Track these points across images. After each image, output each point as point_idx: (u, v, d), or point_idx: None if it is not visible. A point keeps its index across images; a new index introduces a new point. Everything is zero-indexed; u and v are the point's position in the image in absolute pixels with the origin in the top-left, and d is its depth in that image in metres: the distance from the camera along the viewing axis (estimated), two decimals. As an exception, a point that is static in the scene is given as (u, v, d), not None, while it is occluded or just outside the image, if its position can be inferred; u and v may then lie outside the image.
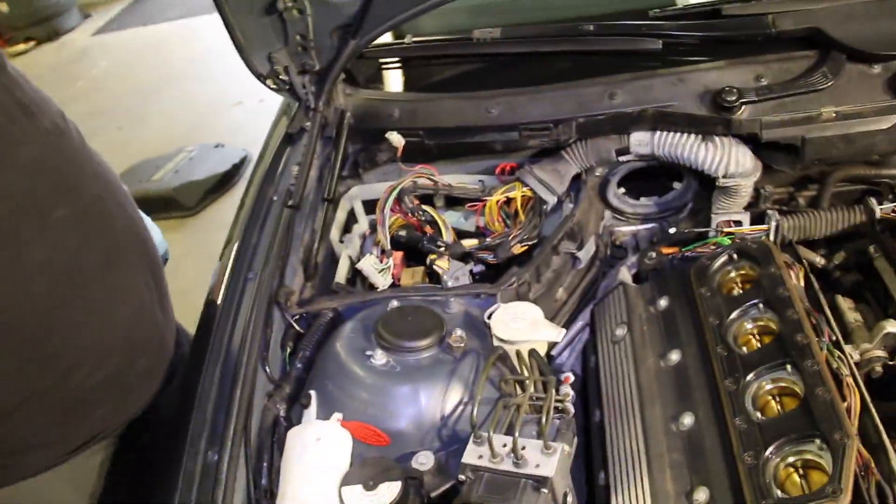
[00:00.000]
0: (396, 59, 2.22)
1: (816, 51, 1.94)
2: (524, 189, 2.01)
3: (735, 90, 1.83)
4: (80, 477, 1.80)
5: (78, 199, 1.59)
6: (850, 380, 1.49)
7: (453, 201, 2.17)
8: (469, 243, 1.99)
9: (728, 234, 1.93)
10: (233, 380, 1.59)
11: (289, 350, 1.72)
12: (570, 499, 1.45)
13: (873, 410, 1.48)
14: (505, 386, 1.57)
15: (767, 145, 1.88)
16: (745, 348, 1.60)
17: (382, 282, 1.89)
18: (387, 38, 2.24)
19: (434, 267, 1.91)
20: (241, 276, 1.81)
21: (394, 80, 2.33)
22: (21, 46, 9.92)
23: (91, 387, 1.65)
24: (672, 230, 1.95)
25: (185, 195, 5.74)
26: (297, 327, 1.77)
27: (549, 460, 1.39)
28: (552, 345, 1.79)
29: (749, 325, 1.65)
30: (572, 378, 1.71)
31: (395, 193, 1.99)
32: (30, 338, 1.53)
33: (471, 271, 1.93)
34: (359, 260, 1.97)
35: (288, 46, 1.93)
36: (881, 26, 1.91)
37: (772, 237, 1.90)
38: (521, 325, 1.64)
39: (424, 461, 1.42)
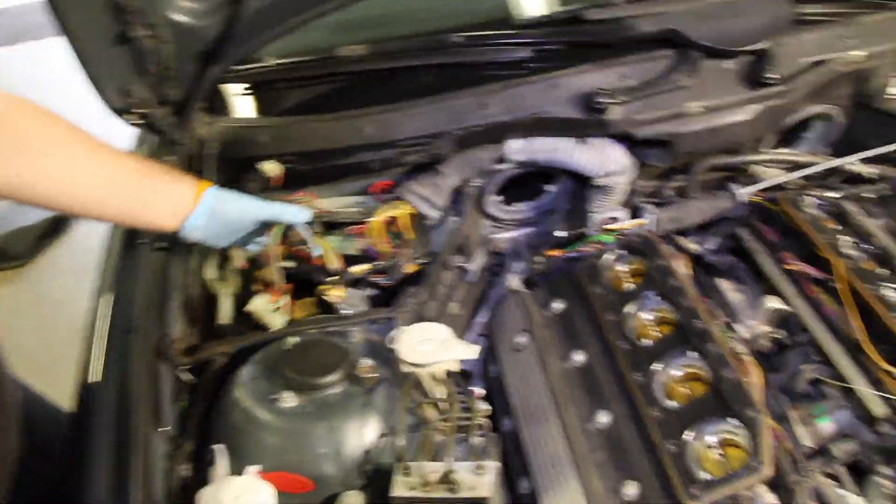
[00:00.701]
0: (259, 82, 2.13)
1: (675, 50, 2.03)
2: (405, 206, 1.98)
3: (606, 92, 1.88)
4: None
5: None
6: (747, 358, 1.57)
7: (330, 226, 2.11)
8: (358, 269, 1.93)
9: (609, 231, 1.98)
10: (126, 447, 1.44)
11: (183, 404, 1.60)
12: (504, 514, 1.44)
13: (772, 383, 1.56)
14: (421, 411, 1.54)
15: (640, 142, 1.94)
16: (645, 340, 1.65)
17: (278, 321, 1.80)
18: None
19: (327, 297, 1.84)
20: (118, 332, 1.67)
21: (257, 105, 2.24)
22: None
23: None
24: (558, 233, 1.98)
25: (15, 244, 5.30)
26: (188, 378, 1.65)
27: (484, 480, 1.36)
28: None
29: (646, 317, 1.70)
30: (483, 392, 1.70)
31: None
32: None
33: (368, 297, 1.89)
34: (243, 298, 1.87)
35: (145, 77, 1.80)
36: (730, 25, 2.03)
37: (650, 229, 1.97)
38: (431, 347, 1.60)
39: (352, 501, 1.37)
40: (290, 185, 2.01)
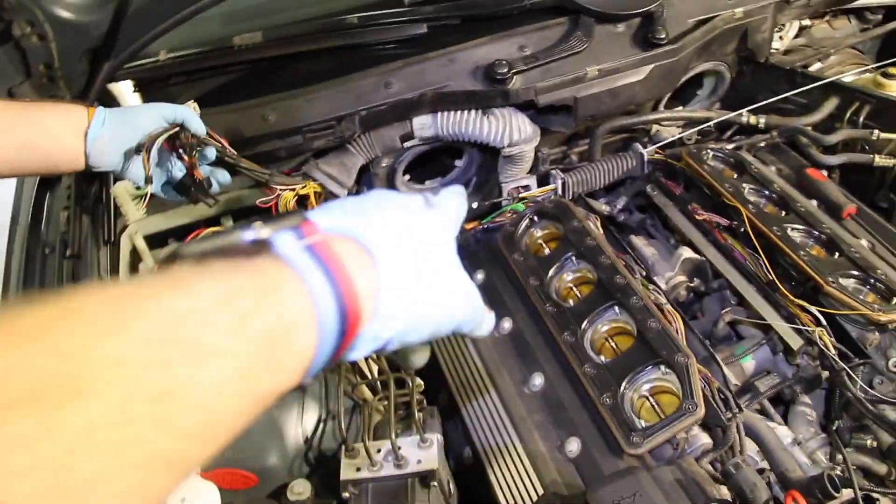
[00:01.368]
0: (154, 78, 2.05)
1: (568, 17, 2.06)
2: (314, 184, 1.94)
3: (505, 62, 1.89)
4: None
5: None
6: (668, 307, 1.62)
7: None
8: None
9: (521, 199, 2.00)
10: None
11: None
12: (451, 485, 1.45)
13: (694, 329, 1.61)
14: (358, 392, 1.53)
15: (542, 109, 1.97)
16: (570, 301, 1.68)
17: (136, 213, 1.68)
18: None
19: None
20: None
21: (154, 100, 2.15)
22: None
23: None
24: (474, 205, 1.98)
25: None
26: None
27: (429, 453, 1.37)
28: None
29: (568, 278, 1.73)
30: (414, 368, 1.70)
31: (167, 133, 1.58)
32: None
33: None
34: None
35: (31, 78, 1.70)
36: (619, -11, 2.08)
37: (560, 194, 2.01)
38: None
39: (301, 490, 1.34)
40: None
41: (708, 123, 2.18)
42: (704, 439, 1.43)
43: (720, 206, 1.86)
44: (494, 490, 1.45)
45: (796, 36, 2.64)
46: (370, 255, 0.71)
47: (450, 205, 0.88)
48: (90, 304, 0.56)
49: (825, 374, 1.59)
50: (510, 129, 1.96)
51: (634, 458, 1.36)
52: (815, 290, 1.62)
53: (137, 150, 1.50)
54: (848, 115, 2.14)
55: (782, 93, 2.21)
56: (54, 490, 0.48)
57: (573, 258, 1.73)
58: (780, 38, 2.55)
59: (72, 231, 1.77)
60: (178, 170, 1.62)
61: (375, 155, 2.02)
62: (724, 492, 1.33)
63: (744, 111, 2.17)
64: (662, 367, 1.47)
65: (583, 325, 1.58)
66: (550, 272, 1.72)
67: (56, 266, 1.73)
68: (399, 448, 1.35)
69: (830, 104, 2.16)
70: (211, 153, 1.67)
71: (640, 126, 2.23)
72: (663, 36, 2.03)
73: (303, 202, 1.91)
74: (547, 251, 1.81)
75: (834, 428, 1.56)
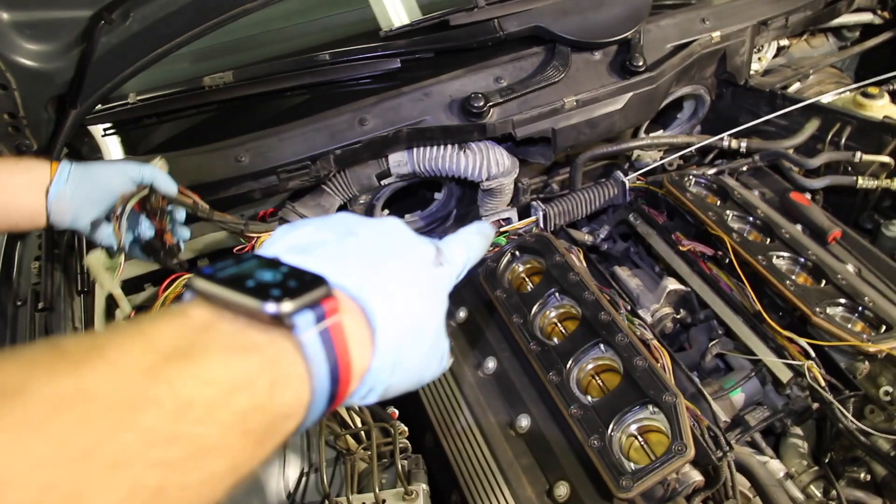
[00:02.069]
0: (125, 120, 2.01)
1: (543, 47, 2.04)
2: None
3: (481, 95, 1.87)
4: None
5: None
6: (655, 342, 1.58)
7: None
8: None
9: (502, 233, 1.97)
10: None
11: None
12: (436, 535, 1.40)
13: (682, 364, 1.58)
14: (340, 442, 1.49)
15: (521, 141, 1.94)
16: (555, 339, 1.64)
17: (109, 282, 1.63)
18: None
19: None
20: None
21: (126, 144, 2.11)
22: None
23: None
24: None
25: None
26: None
27: (414, 505, 1.33)
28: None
29: (552, 315, 1.70)
30: (397, 412, 1.66)
31: (137, 196, 1.52)
32: None
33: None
34: None
35: (-5, 127, 1.67)
36: (592, 17, 2.06)
37: (542, 226, 1.98)
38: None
39: (282, 546, 1.30)
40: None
41: (689, 148, 2.16)
42: (695, 476, 1.39)
43: (704, 233, 1.83)
44: (483, 536, 1.41)
45: (775, 56, 2.63)
46: (372, 334, 0.70)
47: (460, 259, 0.87)
48: (104, 382, 0.54)
49: (815, 405, 1.56)
50: (488, 163, 1.93)
51: (624, 502, 1.32)
52: (803, 321, 1.59)
53: (107, 217, 1.45)
54: (830, 136, 2.12)
55: (763, 115, 2.19)
56: None
57: (556, 294, 1.70)
58: (759, 59, 2.54)
59: (44, 282, 1.72)
60: (147, 228, 1.57)
61: (353, 194, 1.98)
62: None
63: (725, 135, 2.15)
64: (650, 407, 1.43)
65: (568, 364, 1.54)
66: (534, 309, 1.69)
67: (28, 319, 1.69)
68: (383, 501, 1.30)
69: (812, 126, 2.14)
70: (181, 215, 1.63)
71: (622, 153, 2.20)
72: (641, 63, 2.01)
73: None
74: (530, 286, 1.77)
75: (826, 460, 1.53)
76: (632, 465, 1.36)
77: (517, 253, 1.82)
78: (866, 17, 2.72)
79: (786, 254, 1.74)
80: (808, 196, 2.00)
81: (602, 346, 1.56)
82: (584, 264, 1.82)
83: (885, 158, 1.99)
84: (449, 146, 1.94)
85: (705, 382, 1.62)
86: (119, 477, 0.51)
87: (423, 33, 2.07)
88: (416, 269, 0.79)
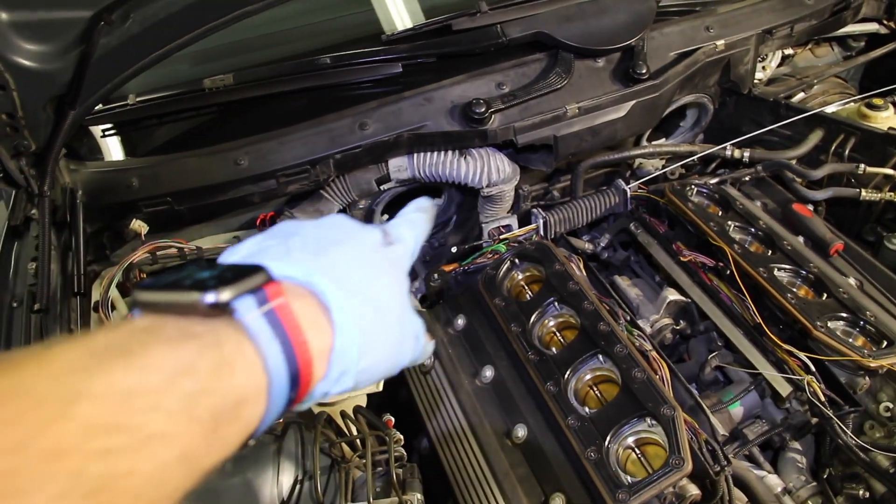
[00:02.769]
0: (125, 122, 2.00)
1: (546, 53, 2.02)
2: None
3: (482, 101, 1.86)
4: None
5: None
6: (654, 353, 1.57)
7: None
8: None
9: (502, 240, 1.95)
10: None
11: None
12: (431, 545, 1.39)
13: (680, 376, 1.57)
14: (335, 450, 1.47)
15: (522, 148, 1.93)
16: (553, 348, 1.63)
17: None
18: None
19: None
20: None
21: (126, 145, 2.11)
22: None
23: None
24: (453, 249, 1.94)
25: None
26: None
27: (407, 515, 1.32)
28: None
29: (550, 324, 1.68)
30: (393, 420, 1.65)
31: (118, 275, 1.76)
32: None
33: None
34: None
35: (-7, 128, 1.66)
36: (595, 24, 2.04)
37: (542, 233, 1.96)
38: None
39: (274, 556, 1.29)
40: (169, 226, 1.91)
41: (692, 157, 2.14)
42: (693, 490, 1.37)
43: (705, 244, 1.81)
44: (477, 547, 1.40)
45: (779, 65, 2.62)
46: (327, 313, 0.68)
47: (408, 236, 0.87)
48: (39, 380, 0.53)
49: (815, 420, 1.54)
50: (488, 170, 1.92)
51: (620, 516, 1.31)
52: (804, 334, 1.58)
53: None
54: (833, 147, 2.11)
55: (767, 124, 2.18)
56: None
57: (555, 303, 1.68)
58: (764, 68, 2.52)
59: (40, 283, 1.71)
60: None
61: (352, 199, 1.97)
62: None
63: (728, 145, 2.14)
64: (648, 419, 1.42)
65: (566, 375, 1.53)
66: (533, 318, 1.67)
67: (24, 320, 1.68)
68: (376, 511, 1.29)
69: (815, 136, 2.13)
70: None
71: (624, 161, 2.19)
72: (644, 71, 2.00)
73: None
74: (529, 294, 1.76)
75: (825, 476, 1.52)
76: (629, 478, 1.35)
77: (516, 261, 1.81)
78: (871, 27, 2.70)
79: (787, 266, 1.73)
80: (811, 207, 1.99)
81: (600, 356, 1.55)
82: (584, 273, 1.81)
83: (889, 171, 1.98)
84: (449, 152, 1.92)
85: (704, 395, 1.61)
86: (57, 467, 0.50)
87: (425, 38, 2.06)
88: (364, 249, 0.79)
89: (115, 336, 0.59)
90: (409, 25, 2.11)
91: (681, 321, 1.79)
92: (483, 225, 2.05)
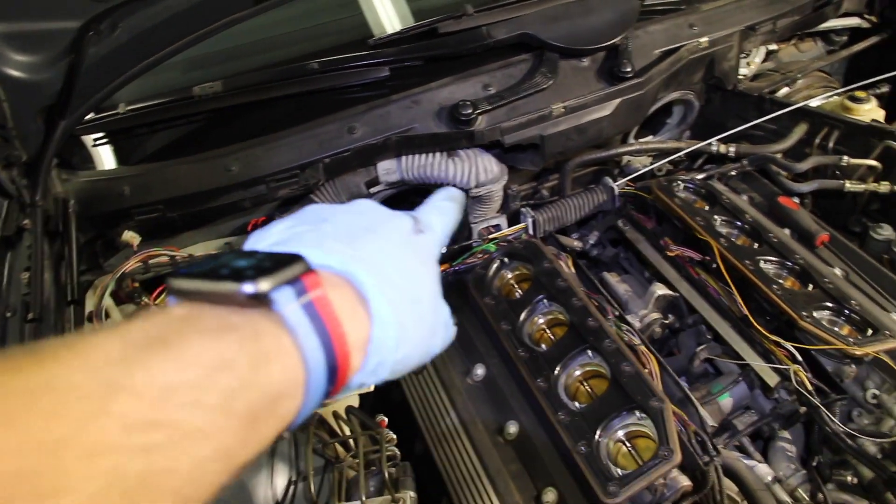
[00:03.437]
0: (116, 130, 2.02)
1: (531, 54, 2.04)
2: None
3: (469, 103, 1.87)
4: None
5: None
6: (642, 348, 1.59)
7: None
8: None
9: (491, 239, 1.97)
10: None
11: None
12: (425, 542, 1.41)
13: (669, 369, 1.59)
14: (329, 450, 1.49)
15: (510, 148, 1.94)
16: (543, 345, 1.65)
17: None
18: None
19: None
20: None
21: (118, 154, 2.12)
22: None
23: None
24: (443, 249, 1.94)
25: None
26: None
27: (401, 512, 1.33)
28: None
29: (540, 321, 1.70)
30: (386, 420, 1.66)
31: (111, 285, 1.78)
32: None
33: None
34: None
35: (-17, 139, 1.68)
36: (580, 24, 2.06)
37: (531, 232, 1.98)
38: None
39: (270, 555, 1.31)
40: (162, 233, 1.92)
41: (678, 154, 2.16)
42: (684, 482, 1.39)
43: (692, 238, 1.83)
44: (471, 543, 1.42)
45: (764, 60, 2.64)
46: (364, 303, 0.68)
47: (438, 224, 0.88)
48: (76, 372, 0.52)
49: (803, 409, 1.56)
50: (476, 170, 1.93)
51: (612, 508, 1.33)
52: (790, 325, 1.60)
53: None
54: (817, 140, 2.13)
55: (751, 119, 2.20)
56: None
57: (545, 300, 1.70)
58: (748, 63, 2.55)
59: (34, 292, 1.73)
60: None
61: (342, 203, 1.99)
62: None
63: (713, 140, 2.16)
64: (637, 412, 1.43)
65: (556, 371, 1.55)
66: (522, 315, 1.69)
67: (18, 330, 1.69)
68: (370, 509, 1.31)
69: (800, 130, 2.15)
70: None
71: (611, 159, 2.21)
72: (629, 69, 2.02)
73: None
74: (519, 293, 1.78)
75: (814, 464, 1.54)
76: (619, 470, 1.36)
77: (506, 260, 1.82)
78: (854, 22, 2.73)
79: (773, 258, 1.75)
80: (797, 200, 2.01)
81: (590, 352, 1.56)
82: (573, 270, 1.83)
83: (872, 162, 2.00)
84: (437, 154, 1.94)
85: (693, 387, 1.63)
86: (97, 464, 0.49)
87: (411, 41, 2.07)
88: (397, 238, 0.78)
89: (153, 326, 0.58)
90: (399, 28, 2.13)
91: (669, 315, 1.81)
92: (472, 225, 2.07)
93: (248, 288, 0.59)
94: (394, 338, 0.70)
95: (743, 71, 2.48)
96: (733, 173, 2.12)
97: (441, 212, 0.90)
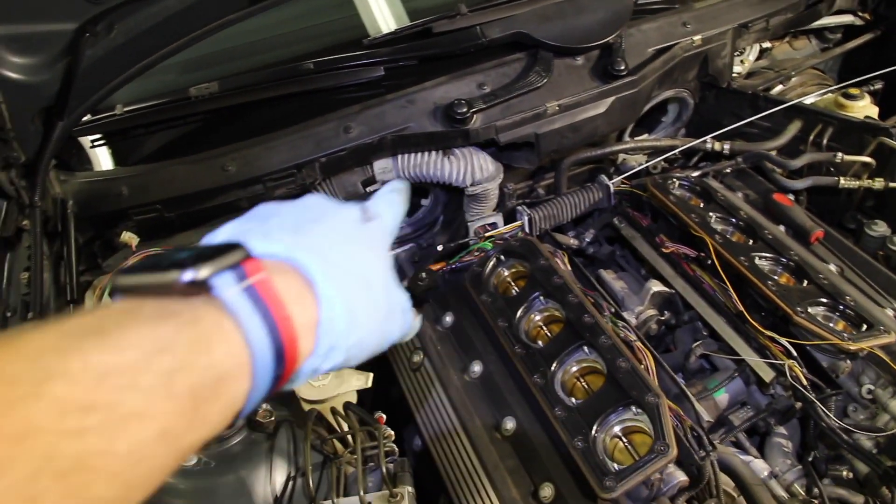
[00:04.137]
0: (114, 132, 2.03)
1: (526, 52, 2.05)
2: None
3: (464, 102, 1.89)
4: None
5: None
6: (638, 344, 1.60)
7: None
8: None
9: (488, 237, 1.98)
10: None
11: None
12: (425, 537, 1.42)
13: (665, 365, 1.59)
14: (327, 446, 1.50)
15: (505, 146, 1.95)
16: (539, 342, 1.65)
17: None
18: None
19: None
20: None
21: (115, 155, 2.13)
22: None
23: None
24: (440, 247, 1.96)
25: None
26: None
27: (400, 508, 1.34)
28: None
29: (536, 318, 1.71)
30: (385, 417, 1.67)
31: (110, 285, 1.78)
32: None
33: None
34: None
35: (-20, 141, 1.68)
36: (574, 22, 2.07)
37: (527, 230, 1.99)
38: (326, 381, 1.57)
39: (269, 552, 1.31)
40: (160, 233, 1.93)
41: (673, 151, 2.17)
42: (680, 476, 1.40)
43: (688, 235, 1.84)
44: (469, 537, 1.42)
45: (758, 58, 2.65)
46: (311, 287, 0.69)
47: (386, 213, 0.88)
48: (8, 362, 0.52)
49: (798, 404, 1.57)
50: (472, 169, 1.94)
51: (608, 502, 1.34)
52: (785, 320, 1.61)
53: None
54: (812, 137, 2.15)
55: (746, 117, 2.21)
56: None
57: (541, 297, 1.71)
58: (742, 61, 2.56)
59: (33, 292, 1.73)
60: None
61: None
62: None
63: (708, 138, 2.17)
64: (633, 408, 1.44)
65: (552, 367, 1.55)
66: (519, 313, 1.70)
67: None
68: (370, 504, 1.32)
69: (794, 127, 2.16)
70: None
71: (607, 157, 2.22)
72: (623, 67, 2.03)
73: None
74: (515, 290, 1.79)
75: (810, 459, 1.55)
76: (616, 465, 1.37)
77: (502, 257, 1.83)
78: (847, 19, 2.74)
79: (768, 254, 1.76)
80: (792, 197, 2.02)
81: (586, 348, 1.57)
82: (569, 268, 1.83)
83: (866, 159, 2.01)
84: (433, 152, 1.95)
85: (690, 383, 1.64)
86: (26, 446, 0.49)
87: (406, 41, 2.08)
88: (344, 226, 0.80)
89: (90, 318, 0.58)
90: (395, 28, 2.14)
91: (665, 312, 1.81)
92: (469, 223, 2.08)
93: (186, 275, 0.60)
94: (343, 320, 0.70)
95: (737, 69, 2.49)
96: (728, 170, 2.13)
97: (388, 202, 0.91)
